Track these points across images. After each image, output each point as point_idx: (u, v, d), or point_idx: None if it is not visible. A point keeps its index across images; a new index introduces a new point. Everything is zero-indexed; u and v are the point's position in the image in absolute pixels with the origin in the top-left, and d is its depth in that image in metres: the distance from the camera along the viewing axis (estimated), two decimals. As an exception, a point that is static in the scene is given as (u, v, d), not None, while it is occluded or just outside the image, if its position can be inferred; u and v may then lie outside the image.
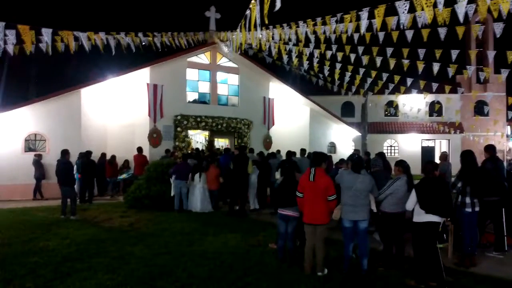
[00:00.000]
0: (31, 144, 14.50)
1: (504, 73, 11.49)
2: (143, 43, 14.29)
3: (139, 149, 14.89)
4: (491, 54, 11.02)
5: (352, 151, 16.43)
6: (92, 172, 13.42)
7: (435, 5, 7.76)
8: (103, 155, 15.33)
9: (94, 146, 15.05)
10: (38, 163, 13.93)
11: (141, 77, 16.44)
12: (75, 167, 12.40)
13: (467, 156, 6.66)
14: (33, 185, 13.96)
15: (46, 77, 28.32)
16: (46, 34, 10.65)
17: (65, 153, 10.65)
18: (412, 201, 5.73)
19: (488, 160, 7.41)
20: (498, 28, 8.73)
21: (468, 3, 7.74)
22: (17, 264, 6.22)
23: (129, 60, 18.80)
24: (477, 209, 6.48)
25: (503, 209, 7.37)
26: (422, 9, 7.98)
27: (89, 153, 13.55)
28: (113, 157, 15.45)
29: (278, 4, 6.10)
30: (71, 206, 10.44)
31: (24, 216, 10.58)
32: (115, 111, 16.90)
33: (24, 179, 13.92)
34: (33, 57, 14.74)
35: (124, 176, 15.61)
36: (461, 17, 7.79)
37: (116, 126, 16.77)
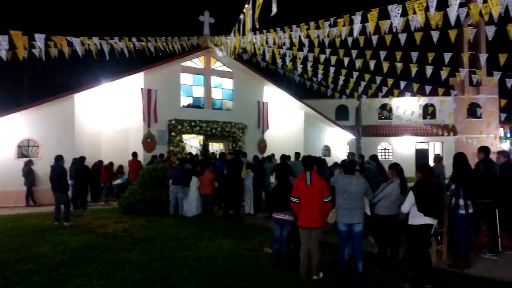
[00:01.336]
0: (24, 150, 14.39)
1: (496, 75, 11.57)
2: (137, 48, 14.25)
3: (134, 154, 14.85)
4: (483, 56, 11.11)
5: (347, 154, 16.45)
6: (86, 178, 13.33)
7: (427, 9, 7.81)
8: (100, 162, 15.27)
9: (88, 151, 14.97)
10: (28, 170, 13.83)
11: (135, 82, 16.41)
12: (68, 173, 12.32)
13: (459, 158, 6.69)
14: (25, 191, 13.88)
15: (39, 82, 28.23)
16: (39, 39, 10.61)
17: (59, 158, 10.58)
18: (409, 204, 5.73)
19: (481, 162, 7.45)
20: (490, 31, 8.81)
21: (460, 6, 7.81)
22: (10, 272, 6.17)
23: (122, 65, 18.77)
24: (470, 211, 6.50)
25: (497, 211, 7.43)
26: (414, 13, 8.03)
27: (83, 158, 13.48)
28: (111, 163, 15.52)
29: (274, 9, 6.09)
30: (65, 212, 10.36)
31: (17, 222, 10.49)
32: (109, 116, 16.84)
33: (16, 185, 13.80)
34: (26, 63, 14.66)
35: (118, 181, 15.54)
36: (453, 21, 7.86)
37: (110, 132, 16.70)
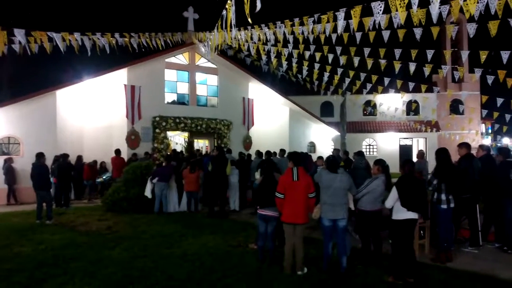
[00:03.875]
0: (4, 147, 14.10)
1: (478, 72, 11.73)
2: (120, 44, 14.03)
3: (117, 151, 14.70)
4: (465, 53, 11.25)
5: (332, 150, 16.52)
6: (68, 176, 13.13)
7: (410, 6, 7.87)
8: (79, 158, 15.05)
9: (70, 148, 14.75)
10: (8, 168, 13.57)
11: (118, 78, 16.20)
12: (50, 170, 12.12)
13: (441, 153, 6.79)
14: (6, 189, 13.62)
15: (20, 78, 27.71)
16: (19, 34, 10.37)
17: (40, 156, 10.42)
18: (392, 199, 5.80)
19: (463, 158, 7.57)
20: (471, 28, 8.92)
21: (442, 4, 7.88)
22: (-10, 271, 6.05)
23: (105, 61, 18.47)
24: (452, 205, 6.60)
25: (477, 205, 7.57)
26: (397, 10, 8.08)
27: (66, 156, 13.28)
28: (95, 162, 15.37)
29: (258, 5, 6.06)
30: (47, 211, 10.21)
31: (-3, 221, 10.30)
32: (92, 113, 16.60)
33: (-3, 184, 13.55)
34: (6, 59, 14.31)
35: (102, 179, 15.36)
36: (435, 18, 7.93)
37: (93, 128, 16.48)
